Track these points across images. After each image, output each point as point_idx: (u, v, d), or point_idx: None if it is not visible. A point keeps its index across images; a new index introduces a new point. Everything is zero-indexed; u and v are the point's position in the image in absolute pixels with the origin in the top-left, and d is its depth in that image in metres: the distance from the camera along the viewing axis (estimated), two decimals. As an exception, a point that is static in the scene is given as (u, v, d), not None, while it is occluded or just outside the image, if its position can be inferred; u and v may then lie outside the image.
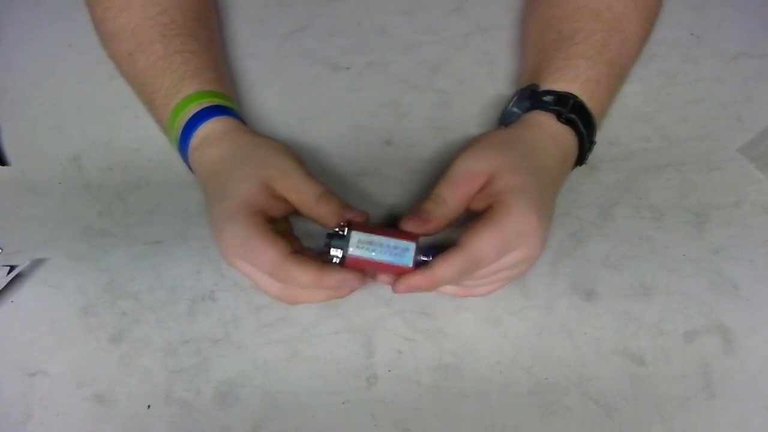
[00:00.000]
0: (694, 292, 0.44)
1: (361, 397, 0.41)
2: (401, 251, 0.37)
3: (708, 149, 0.50)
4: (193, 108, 0.44)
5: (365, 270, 0.38)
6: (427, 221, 0.38)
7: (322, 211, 0.39)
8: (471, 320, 0.43)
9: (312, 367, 0.42)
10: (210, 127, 0.44)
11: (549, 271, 0.45)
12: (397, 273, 0.38)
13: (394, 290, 0.38)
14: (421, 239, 0.39)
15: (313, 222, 0.40)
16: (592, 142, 0.45)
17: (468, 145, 0.43)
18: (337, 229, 0.38)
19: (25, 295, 0.45)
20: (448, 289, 0.42)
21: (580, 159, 0.45)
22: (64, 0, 0.60)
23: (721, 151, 0.50)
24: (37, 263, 0.46)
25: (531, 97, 0.45)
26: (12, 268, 0.45)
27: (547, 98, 0.44)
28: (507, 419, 0.40)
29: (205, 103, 0.45)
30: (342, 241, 0.37)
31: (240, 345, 0.43)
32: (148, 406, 0.41)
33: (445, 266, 0.36)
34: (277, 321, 0.44)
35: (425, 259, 0.38)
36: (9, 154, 0.52)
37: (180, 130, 0.44)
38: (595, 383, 0.41)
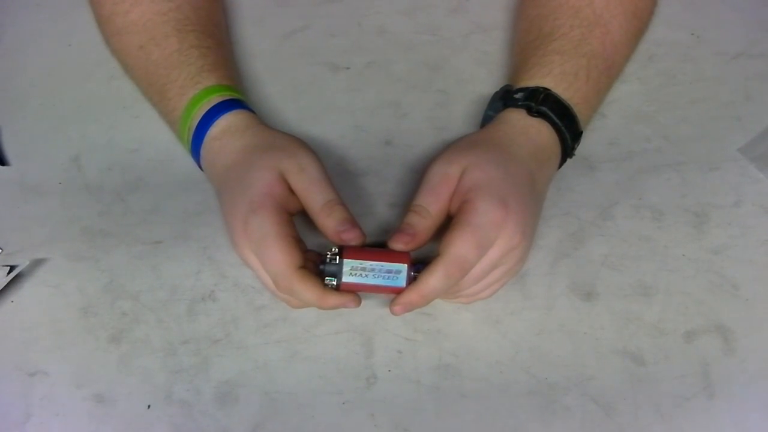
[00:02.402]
0: (694, 292, 0.44)
1: (360, 397, 0.41)
2: (394, 274, 0.38)
3: (708, 149, 0.50)
4: (215, 99, 0.44)
5: (363, 291, 0.39)
6: (414, 236, 0.39)
7: (322, 222, 0.39)
8: (471, 320, 0.43)
9: (312, 368, 0.42)
10: (232, 118, 0.44)
11: (549, 271, 0.45)
12: (393, 292, 0.38)
13: (393, 313, 0.38)
14: (413, 253, 0.40)
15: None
16: (576, 134, 0.45)
17: (441, 150, 0.43)
18: (329, 256, 0.39)
19: (25, 295, 0.45)
20: (453, 299, 0.42)
21: (567, 151, 0.45)
22: (65, 0, 0.60)
23: (721, 151, 0.50)
24: (37, 263, 0.46)
25: (503, 98, 0.46)
26: (12, 268, 0.45)
27: (518, 95, 0.44)
28: (507, 419, 0.40)
29: (226, 95, 0.45)
30: (335, 268, 0.38)
31: (240, 345, 0.43)
32: (148, 406, 0.41)
33: (432, 278, 0.37)
34: (277, 321, 0.44)
35: (415, 275, 0.38)
36: (9, 154, 0.52)
37: (198, 120, 0.44)
38: (595, 383, 0.41)
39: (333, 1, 0.60)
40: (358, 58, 0.57)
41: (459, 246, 0.36)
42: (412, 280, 0.38)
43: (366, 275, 0.38)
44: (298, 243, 0.40)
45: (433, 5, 0.60)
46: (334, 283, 0.38)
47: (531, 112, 0.43)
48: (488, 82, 0.55)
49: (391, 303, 0.38)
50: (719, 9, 0.58)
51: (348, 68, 0.56)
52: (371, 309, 0.44)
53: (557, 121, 0.43)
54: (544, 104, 0.43)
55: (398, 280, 0.38)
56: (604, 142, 0.51)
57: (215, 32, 0.50)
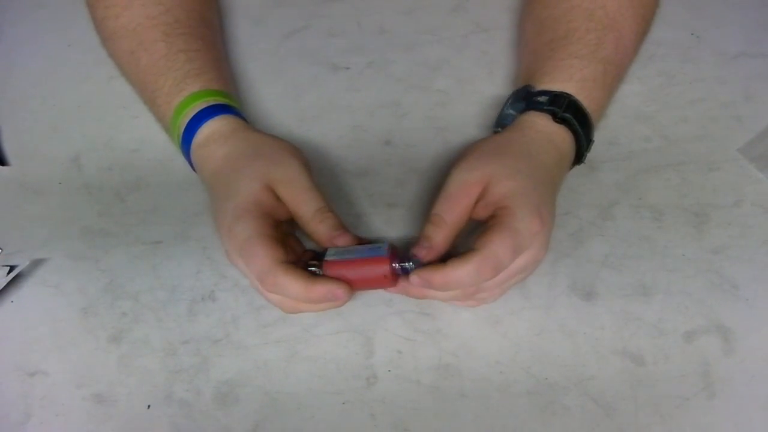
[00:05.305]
0: (694, 292, 0.44)
1: (360, 397, 0.41)
2: (375, 248, 0.38)
3: (708, 149, 0.50)
4: (198, 105, 0.44)
5: (352, 284, 0.38)
6: (431, 249, 0.38)
7: (314, 230, 0.39)
8: (471, 320, 0.43)
9: (312, 367, 0.42)
10: (215, 125, 0.44)
11: (549, 271, 0.45)
12: (378, 280, 0.38)
13: (410, 282, 0.37)
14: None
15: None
16: (590, 141, 0.45)
17: (462, 154, 0.42)
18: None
19: (25, 295, 0.45)
20: (463, 302, 0.42)
21: (578, 158, 0.45)
22: (65, 0, 0.60)
23: (721, 151, 0.50)
24: (37, 263, 0.46)
25: (525, 98, 0.45)
26: (12, 268, 0.45)
27: (542, 98, 0.44)
28: (507, 419, 0.40)
29: (210, 101, 0.45)
30: (320, 254, 0.39)
31: (240, 345, 0.43)
32: (148, 406, 0.41)
33: (462, 268, 0.36)
34: (277, 321, 0.44)
35: (406, 265, 0.38)
36: (9, 154, 0.52)
37: (183, 128, 0.44)
38: (595, 383, 0.41)
39: (333, 1, 0.60)
40: (358, 58, 0.57)
41: (498, 245, 0.36)
42: (398, 273, 0.38)
43: (348, 253, 0.38)
44: (289, 242, 0.40)
45: (433, 5, 0.60)
46: (317, 266, 0.38)
47: (555, 118, 0.43)
48: (488, 82, 0.55)
49: (412, 273, 0.37)
50: (719, 9, 0.58)
51: (348, 68, 0.56)
52: (371, 309, 0.44)
53: (579, 129, 0.43)
54: (567, 111, 0.43)
55: (380, 251, 0.38)
56: (604, 142, 0.51)
57: (206, 34, 0.50)
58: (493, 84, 0.54)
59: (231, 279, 0.45)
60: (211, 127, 0.44)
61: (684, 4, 0.58)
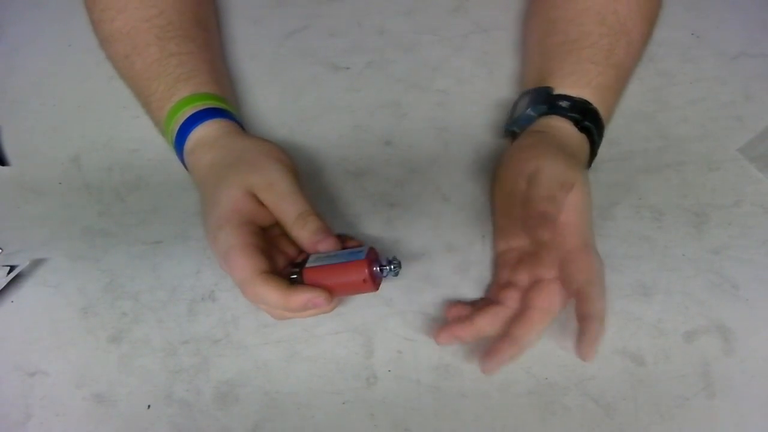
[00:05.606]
0: (694, 292, 0.44)
1: (360, 397, 0.41)
2: (355, 253, 0.38)
3: (708, 149, 0.50)
4: (187, 111, 0.44)
5: (332, 290, 0.37)
6: (552, 227, 0.38)
7: (296, 235, 0.39)
8: (471, 320, 0.43)
9: (312, 367, 0.42)
10: (202, 131, 0.44)
11: (549, 271, 0.45)
12: (357, 285, 0.37)
13: (585, 352, 0.36)
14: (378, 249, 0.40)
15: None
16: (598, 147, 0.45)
17: (543, 150, 0.42)
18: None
19: (25, 295, 0.45)
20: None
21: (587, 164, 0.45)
22: (65, 1, 0.60)
23: (721, 151, 0.50)
24: (37, 263, 0.46)
25: (546, 101, 0.45)
26: (12, 268, 0.45)
27: (564, 104, 0.44)
28: (507, 419, 0.40)
29: (200, 106, 0.45)
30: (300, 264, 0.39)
31: (240, 345, 0.43)
32: (148, 406, 0.41)
33: (600, 286, 0.38)
34: (277, 321, 0.44)
35: (386, 267, 0.38)
36: (9, 154, 0.52)
37: (175, 134, 0.44)
38: (595, 383, 0.41)
39: (333, 1, 0.60)
40: (358, 58, 0.57)
41: (600, 265, 0.39)
42: (378, 276, 0.38)
43: (327, 259, 0.38)
44: (271, 250, 0.40)
45: (433, 5, 0.60)
46: (296, 272, 0.38)
47: (578, 125, 0.43)
48: (488, 83, 0.54)
49: (588, 339, 0.36)
50: (719, 9, 0.58)
51: (348, 68, 0.56)
52: (371, 309, 0.44)
53: (596, 138, 0.43)
54: (587, 118, 0.43)
55: (359, 254, 0.38)
56: (604, 142, 0.50)
57: (200, 35, 0.50)
58: (493, 84, 0.54)
59: (231, 279, 0.45)
60: (198, 134, 0.44)
61: (684, 4, 0.58)
